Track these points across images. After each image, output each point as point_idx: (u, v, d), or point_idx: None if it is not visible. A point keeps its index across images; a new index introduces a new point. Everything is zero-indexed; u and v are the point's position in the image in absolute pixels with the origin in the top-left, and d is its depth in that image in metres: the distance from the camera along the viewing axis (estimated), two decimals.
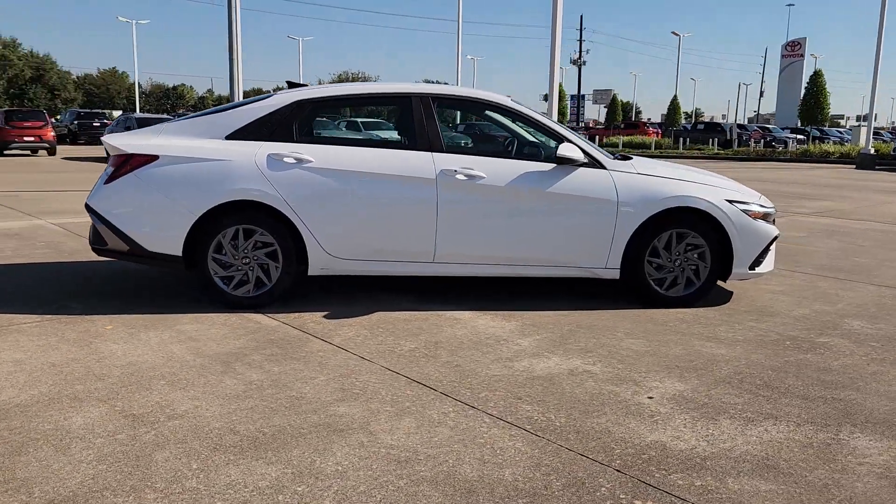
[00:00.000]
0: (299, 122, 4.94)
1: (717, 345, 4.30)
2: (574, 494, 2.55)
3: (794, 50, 60.75)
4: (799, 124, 46.21)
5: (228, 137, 4.85)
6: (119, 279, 5.76)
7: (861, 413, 3.31)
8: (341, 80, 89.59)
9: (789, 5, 71.46)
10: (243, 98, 11.02)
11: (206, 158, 4.73)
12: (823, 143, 37.48)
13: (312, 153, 4.81)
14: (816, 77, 43.87)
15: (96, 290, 5.33)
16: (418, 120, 4.96)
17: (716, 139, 37.90)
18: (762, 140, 38.51)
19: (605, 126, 60.18)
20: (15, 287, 5.40)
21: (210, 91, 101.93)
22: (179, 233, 4.71)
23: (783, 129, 45.95)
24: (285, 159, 4.76)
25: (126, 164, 4.78)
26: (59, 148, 29.20)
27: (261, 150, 4.78)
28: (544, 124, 5.17)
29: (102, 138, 5.24)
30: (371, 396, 3.40)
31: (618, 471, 2.72)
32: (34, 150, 26.65)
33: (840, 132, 49.12)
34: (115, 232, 4.75)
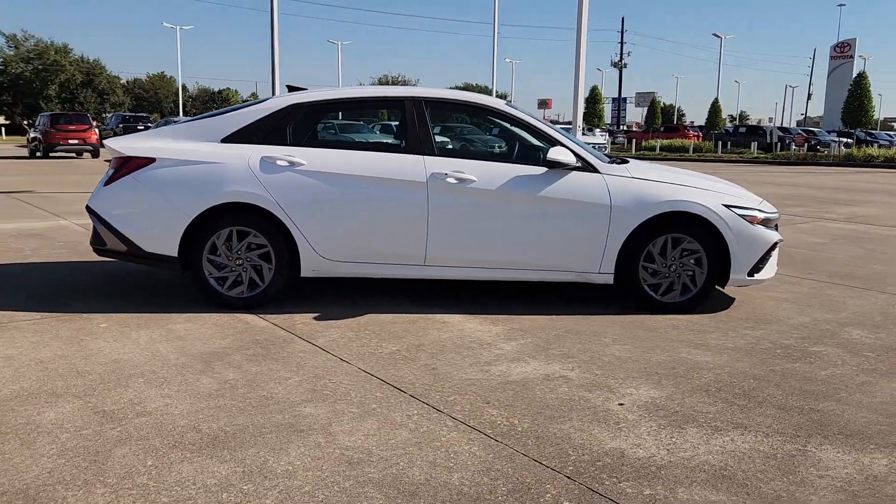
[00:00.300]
0: (294, 125, 5.00)
1: (704, 352, 4.22)
2: (517, 500, 2.53)
3: (843, 51, 59.25)
4: (841, 127, 45.08)
5: (224, 140, 4.93)
6: (125, 279, 5.90)
7: (836, 424, 3.22)
8: (381, 82, 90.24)
9: (840, 5, 69.22)
10: None
11: (200, 161, 4.82)
12: (870, 146, 36.43)
13: (305, 156, 4.87)
14: (860, 79, 42.83)
15: (100, 289, 5.47)
16: (411, 123, 4.98)
17: (756, 143, 37.14)
18: (805, 144, 37.62)
19: (645, 129, 59.36)
20: (23, 286, 5.57)
21: (254, 94, 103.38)
22: (175, 234, 4.81)
23: (830, 132, 44.89)
24: (278, 162, 4.82)
25: (124, 166, 4.92)
26: (104, 151, 29.98)
27: (254, 153, 4.86)
28: (538, 128, 5.14)
29: (104, 141, 5.39)
30: (340, 398, 3.42)
31: (568, 477, 2.70)
32: (79, 153, 27.47)
33: (890, 135, 47.71)
34: (113, 232, 4.88)
